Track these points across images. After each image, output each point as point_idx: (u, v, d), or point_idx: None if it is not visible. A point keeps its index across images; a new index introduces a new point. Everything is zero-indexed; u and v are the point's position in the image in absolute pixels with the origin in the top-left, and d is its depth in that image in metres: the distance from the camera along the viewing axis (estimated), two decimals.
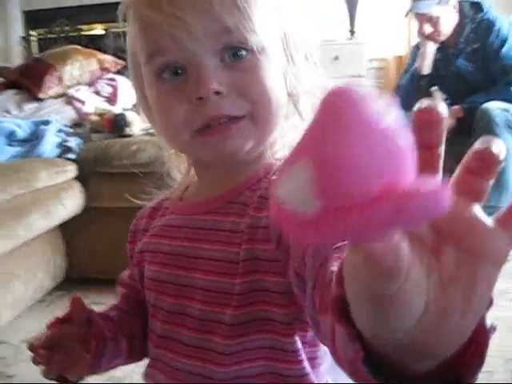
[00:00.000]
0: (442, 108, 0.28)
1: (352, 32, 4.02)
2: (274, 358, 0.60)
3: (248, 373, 0.60)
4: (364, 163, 0.22)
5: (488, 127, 2.48)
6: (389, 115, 0.23)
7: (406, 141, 0.23)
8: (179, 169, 0.75)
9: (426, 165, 0.28)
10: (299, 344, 0.59)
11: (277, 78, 0.62)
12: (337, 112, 0.23)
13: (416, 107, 0.28)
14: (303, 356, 0.60)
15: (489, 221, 0.29)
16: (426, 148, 0.29)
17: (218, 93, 0.58)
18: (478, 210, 0.30)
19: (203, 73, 0.58)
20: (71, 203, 2.15)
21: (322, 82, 0.67)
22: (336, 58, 3.87)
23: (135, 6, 0.62)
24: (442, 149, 0.30)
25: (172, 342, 0.65)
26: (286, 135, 0.67)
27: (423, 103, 0.28)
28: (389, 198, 0.22)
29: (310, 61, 0.68)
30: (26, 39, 4.67)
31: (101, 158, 2.16)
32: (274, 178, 0.61)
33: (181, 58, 0.59)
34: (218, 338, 0.60)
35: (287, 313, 0.58)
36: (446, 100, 3.10)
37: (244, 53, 0.59)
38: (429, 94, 3.02)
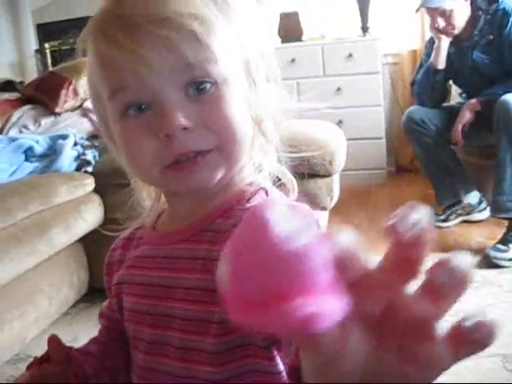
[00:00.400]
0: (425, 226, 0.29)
1: (364, 29, 3.99)
2: (259, 381, 0.59)
3: None
4: (256, 279, 0.26)
5: (507, 119, 2.44)
6: (298, 237, 0.26)
7: (308, 262, 0.26)
8: (149, 195, 0.74)
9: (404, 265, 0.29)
10: (281, 366, 0.59)
11: (241, 106, 0.62)
12: (247, 232, 0.28)
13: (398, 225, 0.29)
14: (285, 379, 0.59)
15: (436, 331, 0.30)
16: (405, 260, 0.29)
17: (184, 128, 0.57)
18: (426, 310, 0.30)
19: (168, 109, 0.57)
20: (91, 216, 2.16)
21: (283, 102, 0.67)
22: (350, 55, 3.84)
23: (93, 40, 0.61)
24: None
25: (155, 373, 0.64)
26: (253, 158, 0.68)
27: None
28: (270, 310, 0.25)
29: (271, 82, 0.67)
30: (40, 52, 4.72)
31: (119, 169, 2.16)
32: (248, 205, 0.62)
33: (144, 96, 0.58)
34: (200, 366, 0.60)
35: (264, 338, 0.58)
36: (461, 94, 3.07)
37: (207, 86, 0.59)
38: (445, 89, 2.99)
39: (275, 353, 0.59)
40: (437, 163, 2.91)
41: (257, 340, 0.58)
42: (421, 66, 3.05)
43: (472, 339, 0.29)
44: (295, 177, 0.71)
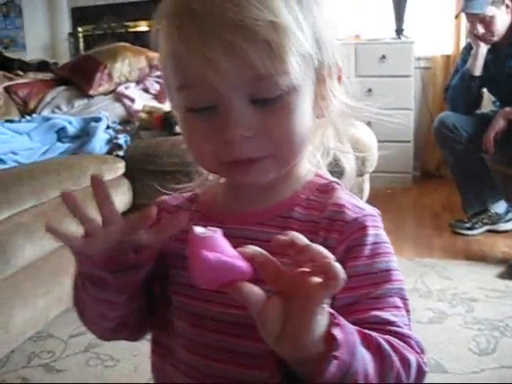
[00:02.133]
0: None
1: (398, 31, 3.96)
2: None
3: None
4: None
5: None
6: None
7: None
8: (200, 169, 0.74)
9: None
10: None
11: (306, 111, 0.61)
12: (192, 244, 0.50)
13: None
14: None
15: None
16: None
17: (244, 138, 0.58)
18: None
19: (231, 117, 0.57)
20: (120, 200, 2.17)
21: (349, 101, 0.70)
22: (383, 56, 3.82)
23: (167, 32, 0.59)
24: None
25: (206, 347, 0.64)
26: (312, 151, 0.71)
27: None
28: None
29: (341, 82, 0.68)
30: (73, 36, 4.75)
31: (150, 155, 2.17)
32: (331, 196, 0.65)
33: (209, 98, 0.58)
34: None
35: None
36: (495, 102, 3.03)
37: (275, 95, 0.57)
38: (479, 96, 2.96)
39: None
40: (465, 170, 2.88)
41: None
42: (456, 71, 3.02)
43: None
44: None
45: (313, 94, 0.62)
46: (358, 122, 2.55)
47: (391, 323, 0.57)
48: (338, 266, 0.46)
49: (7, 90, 2.78)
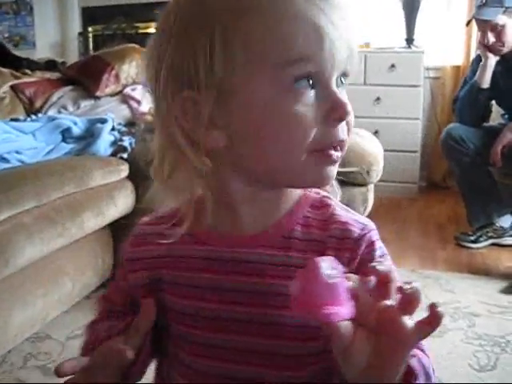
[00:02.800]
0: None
1: (409, 41, 3.95)
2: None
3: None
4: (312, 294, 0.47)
5: None
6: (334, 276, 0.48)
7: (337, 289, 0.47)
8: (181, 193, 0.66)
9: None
10: None
11: None
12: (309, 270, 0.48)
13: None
14: None
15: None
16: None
17: (348, 116, 0.58)
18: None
19: (338, 94, 0.57)
20: (122, 203, 2.16)
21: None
22: (392, 65, 3.80)
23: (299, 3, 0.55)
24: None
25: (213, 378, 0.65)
26: None
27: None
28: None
29: None
30: (82, 35, 4.76)
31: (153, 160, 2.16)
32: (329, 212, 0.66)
33: (323, 72, 0.56)
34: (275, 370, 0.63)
35: None
36: (504, 115, 3.01)
37: (345, 79, 0.60)
38: (488, 108, 2.93)
39: None
40: (472, 183, 2.86)
41: None
42: (465, 82, 3.00)
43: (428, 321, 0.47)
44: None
45: None
46: (364, 132, 2.56)
47: None
48: (440, 311, 0.46)
49: (14, 88, 2.78)
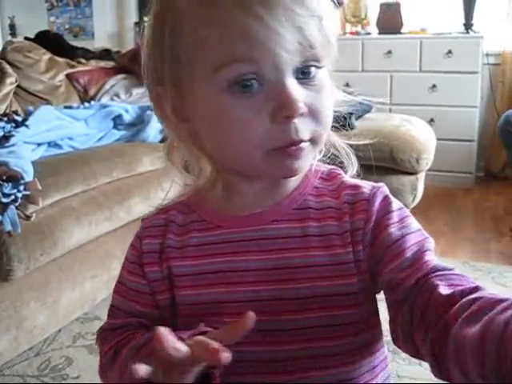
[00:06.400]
0: None
1: (467, 25, 3.81)
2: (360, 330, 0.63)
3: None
4: None
5: None
6: None
7: None
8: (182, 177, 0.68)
9: None
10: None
11: (331, 95, 0.61)
12: None
13: None
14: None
15: None
16: None
17: (301, 114, 0.55)
18: None
19: (290, 90, 0.54)
20: (171, 190, 2.19)
21: (341, 94, 0.67)
22: (449, 52, 3.68)
23: (216, 7, 0.54)
24: None
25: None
26: None
27: None
28: None
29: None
30: (138, 25, 4.83)
31: None
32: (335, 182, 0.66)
33: (266, 70, 0.54)
34: (339, 340, 0.62)
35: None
36: None
37: (313, 69, 0.57)
38: None
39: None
40: None
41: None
42: None
43: None
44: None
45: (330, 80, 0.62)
46: (416, 119, 2.51)
47: (450, 268, 0.58)
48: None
49: (69, 77, 2.86)
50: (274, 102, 0.54)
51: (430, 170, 2.69)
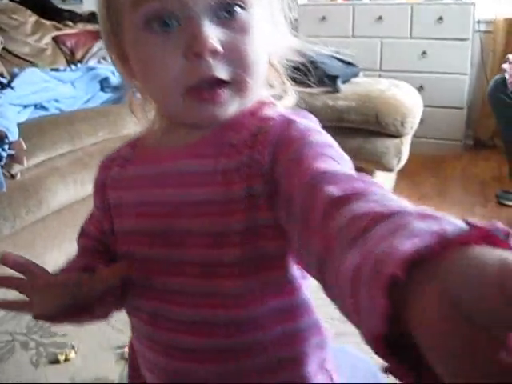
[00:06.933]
0: None
1: None
2: (275, 294, 0.60)
3: (258, 314, 0.60)
4: None
5: None
6: None
7: None
8: (144, 116, 0.70)
9: None
10: (295, 274, 0.61)
11: (262, 37, 0.59)
12: None
13: None
14: (300, 284, 0.61)
15: None
16: None
17: (214, 51, 0.55)
18: None
19: (201, 27, 0.54)
20: None
21: (296, 44, 0.65)
22: (440, 18, 3.66)
23: None
24: None
25: (170, 295, 0.62)
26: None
27: None
28: None
29: (287, 21, 0.64)
30: None
31: None
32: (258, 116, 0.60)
33: (176, 8, 0.54)
34: (223, 280, 0.59)
35: (281, 245, 0.58)
36: None
37: (238, 9, 0.56)
38: None
39: (288, 261, 0.60)
40: None
41: (272, 251, 0.58)
42: None
43: None
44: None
45: (265, 25, 0.61)
46: (403, 84, 2.51)
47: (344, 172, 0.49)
48: None
49: (56, 40, 2.83)
50: (187, 39, 0.55)
51: (418, 136, 2.71)
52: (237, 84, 0.58)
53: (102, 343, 1.63)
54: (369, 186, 0.42)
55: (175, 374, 0.63)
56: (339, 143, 0.56)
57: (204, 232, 0.59)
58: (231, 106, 0.59)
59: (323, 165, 0.48)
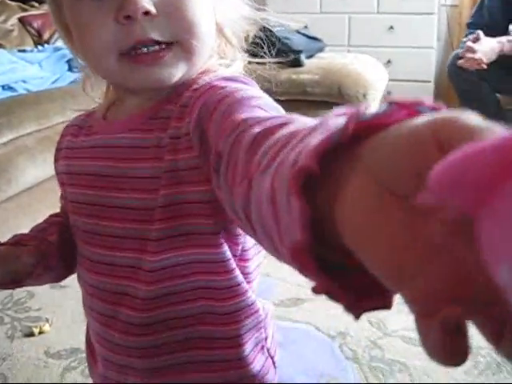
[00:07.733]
0: None
1: None
2: (204, 272, 0.60)
3: (180, 289, 0.60)
4: None
5: None
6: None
7: None
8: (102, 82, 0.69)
9: None
10: (229, 255, 0.60)
11: (205, 2, 0.58)
12: None
13: None
14: (234, 266, 0.60)
15: None
16: None
17: (147, 13, 0.53)
18: None
19: None
20: None
21: (247, 11, 0.65)
22: None
23: None
24: None
25: (94, 263, 0.65)
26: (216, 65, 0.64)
27: None
28: None
29: None
30: None
31: None
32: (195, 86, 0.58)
33: None
34: (143, 254, 0.60)
35: (214, 222, 0.57)
36: None
37: None
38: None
39: (222, 240, 0.59)
40: (477, 110, 2.81)
41: (204, 226, 0.58)
42: (480, 7, 2.91)
43: None
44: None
45: None
46: (367, 57, 2.54)
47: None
48: None
49: (22, 20, 2.82)
50: (117, 3, 0.54)
51: None
52: (180, 46, 0.57)
53: (75, 316, 1.67)
54: (293, 117, 0.37)
55: (109, 343, 0.65)
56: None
57: (131, 206, 0.60)
58: (176, 69, 0.57)
59: (248, 114, 0.44)
